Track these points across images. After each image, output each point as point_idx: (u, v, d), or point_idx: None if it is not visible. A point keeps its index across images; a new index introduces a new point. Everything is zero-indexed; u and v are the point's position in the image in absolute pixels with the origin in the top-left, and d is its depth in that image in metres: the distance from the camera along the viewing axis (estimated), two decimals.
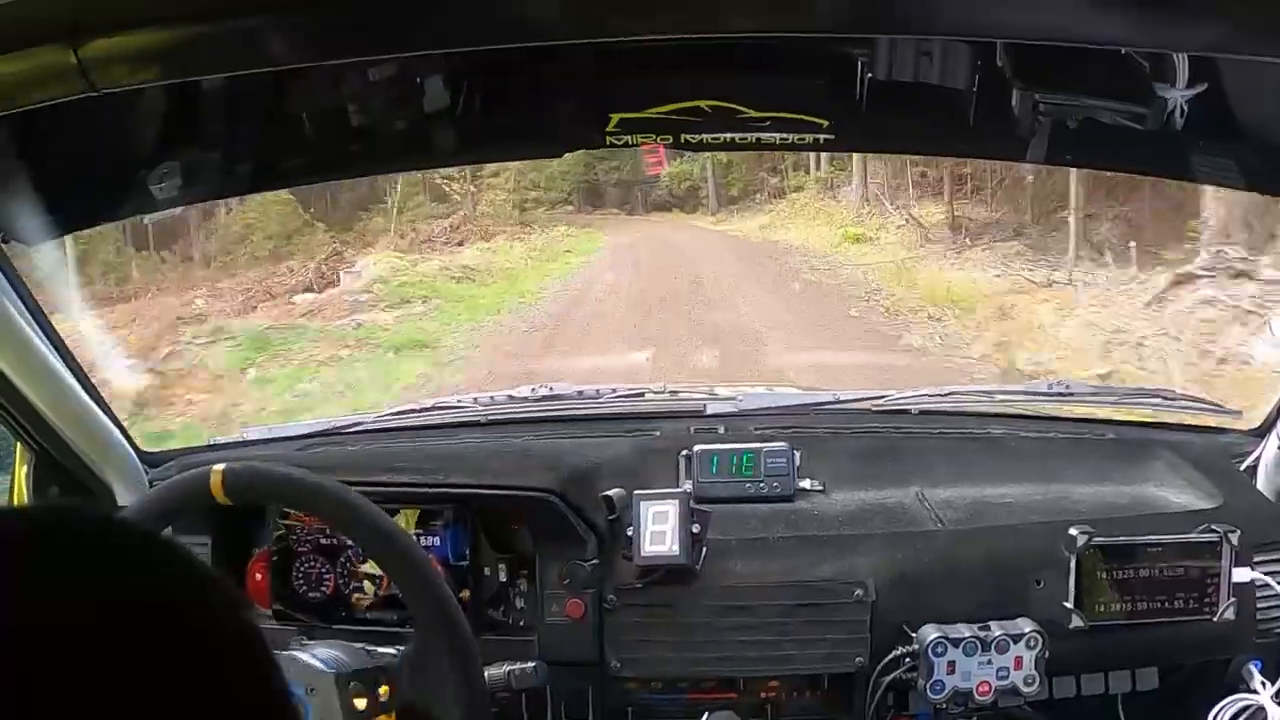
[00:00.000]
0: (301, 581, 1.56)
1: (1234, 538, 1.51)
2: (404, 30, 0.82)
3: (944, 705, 1.45)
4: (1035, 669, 1.45)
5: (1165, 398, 1.76)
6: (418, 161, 1.54)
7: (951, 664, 1.43)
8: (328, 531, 1.54)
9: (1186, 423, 1.83)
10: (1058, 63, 1.13)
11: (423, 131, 1.29)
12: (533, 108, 1.32)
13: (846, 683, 1.50)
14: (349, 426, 1.68)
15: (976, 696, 1.45)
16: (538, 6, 0.82)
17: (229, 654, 0.49)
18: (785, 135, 1.33)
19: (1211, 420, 1.81)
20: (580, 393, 1.72)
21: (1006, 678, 1.45)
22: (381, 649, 1.29)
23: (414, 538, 1.44)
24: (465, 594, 1.49)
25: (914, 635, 1.46)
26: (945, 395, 1.77)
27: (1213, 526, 1.51)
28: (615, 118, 1.31)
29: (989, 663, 1.44)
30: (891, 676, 1.47)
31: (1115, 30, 0.85)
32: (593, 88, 1.28)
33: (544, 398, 1.71)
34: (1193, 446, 1.74)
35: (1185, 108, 1.18)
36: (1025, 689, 1.45)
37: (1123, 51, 1.11)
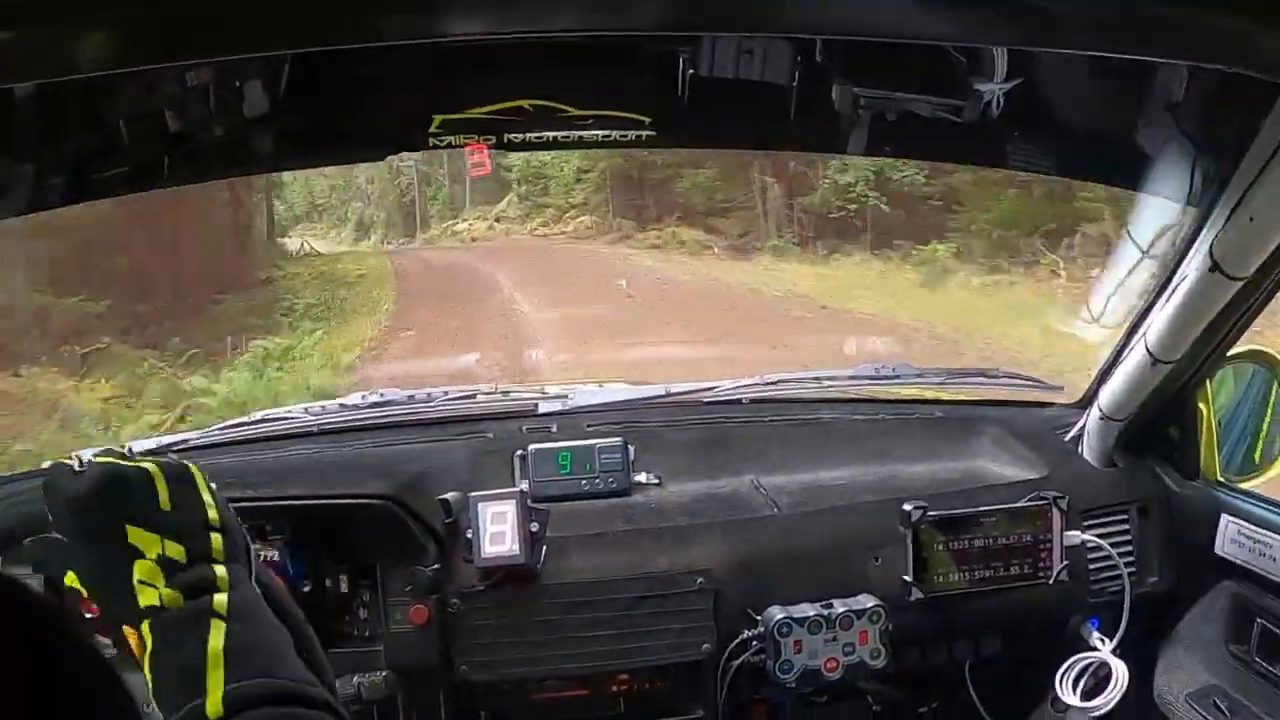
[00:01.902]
0: None
1: (1062, 503, 1.56)
2: (221, 34, 0.78)
3: (794, 685, 1.47)
4: (880, 642, 1.48)
5: (989, 376, 1.81)
6: (238, 168, 1.49)
7: (798, 643, 1.45)
8: None
9: (1011, 399, 1.88)
10: (877, 58, 1.16)
11: (244, 137, 1.25)
12: (354, 111, 1.29)
13: (696, 670, 1.51)
14: (176, 444, 1.62)
15: (825, 673, 1.47)
16: (359, 8, 0.79)
17: (79, 682, 0.47)
18: (608, 133, 1.33)
19: (1035, 395, 1.87)
20: (411, 397, 1.69)
21: (853, 653, 1.48)
22: None
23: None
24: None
25: (759, 618, 1.47)
26: (774, 383, 1.79)
27: (1041, 494, 1.57)
28: (437, 119, 1.30)
29: (834, 639, 1.47)
30: (740, 661, 1.48)
31: (933, 26, 0.86)
32: (415, 89, 1.25)
33: (374, 404, 1.67)
34: (1018, 421, 1.79)
35: (1002, 100, 1.22)
36: (872, 662, 1.48)
37: (940, 46, 1.13)
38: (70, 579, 0.78)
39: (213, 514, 0.79)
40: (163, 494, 0.77)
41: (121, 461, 0.78)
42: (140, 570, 0.74)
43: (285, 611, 0.95)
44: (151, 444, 1.63)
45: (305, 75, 1.20)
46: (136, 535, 0.75)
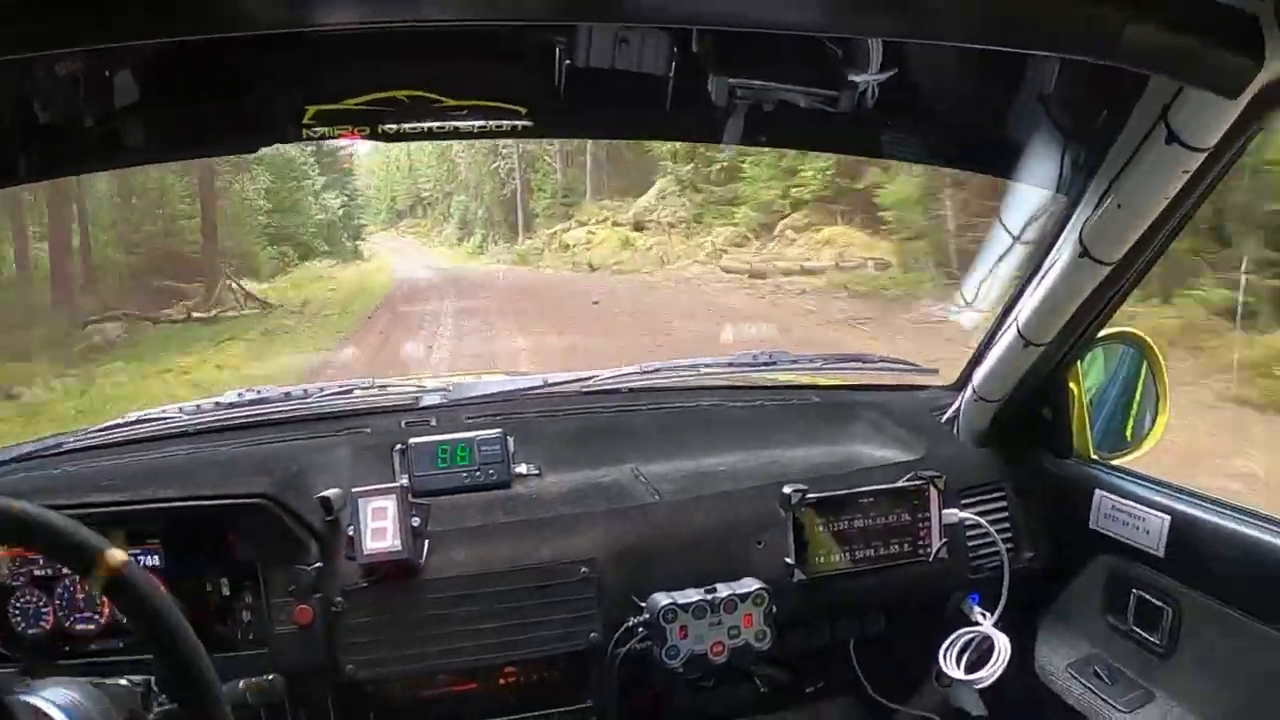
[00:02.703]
0: (19, 618, 1.47)
1: (939, 483, 1.60)
2: (92, 22, 0.77)
3: (681, 670, 1.48)
4: (765, 624, 1.50)
5: (865, 361, 1.86)
6: (109, 161, 1.46)
7: (684, 628, 1.47)
8: (41, 562, 1.46)
9: (888, 383, 1.93)
10: (752, 49, 1.17)
11: (114, 128, 1.22)
12: (226, 102, 1.26)
13: (584, 660, 1.51)
14: (50, 449, 1.58)
15: (711, 657, 1.48)
16: None
17: None
18: (484, 123, 1.33)
19: (911, 379, 1.92)
20: (288, 394, 1.67)
21: (738, 636, 1.49)
22: (110, 680, 1.23)
23: (132, 558, 1.38)
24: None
25: (644, 605, 1.49)
26: (653, 372, 1.81)
27: (918, 474, 1.61)
28: (311, 110, 1.28)
29: (719, 623, 1.48)
30: (626, 648, 1.49)
31: (806, 16, 0.88)
32: (287, 79, 1.24)
33: (251, 402, 1.65)
34: (895, 404, 1.84)
35: (876, 90, 1.25)
36: (757, 645, 1.50)
37: (815, 37, 1.16)
38: None
39: None
40: None
41: None
42: None
43: (162, 623, 0.95)
44: (24, 449, 1.59)
45: (176, 65, 1.18)
46: None
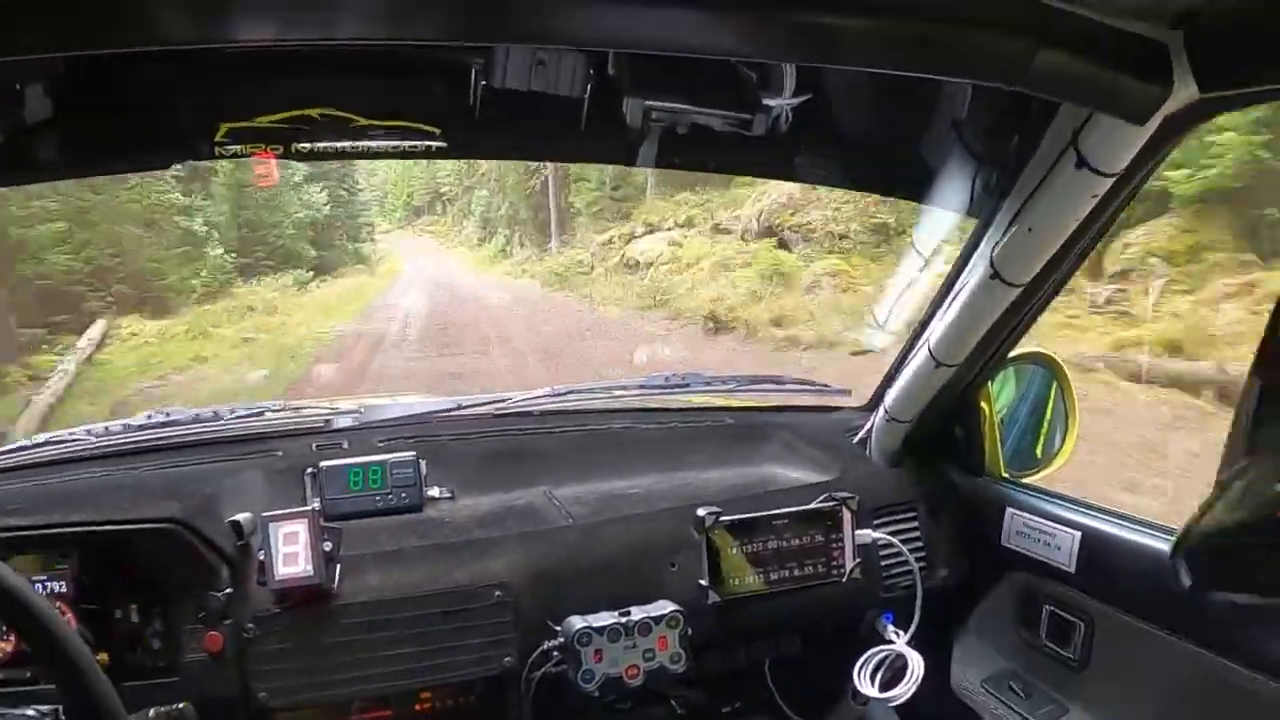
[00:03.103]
0: None
1: (853, 504, 1.63)
2: (3, 35, 0.77)
3: (597, 693, 1.48)
4: (680, 647, 1.50)
5: (777, 383, 1.88)
6: (18, 175, 1.46)
7: (599, 652, 1.47)
8: None
9: (800, 404, 1.96)
10: (668, 72, 1.18)
11: (23, 144, 1.21)
12: (139, 117, 1.25)
13: (499, 684, 1.51)
14: None
15: (627, 680, 1.49)
16: (141, 9, 0.78)
17: None
18: (398, 143, 1.33)
19: (823, 400, 1.95)
20: (198, 416, 1.66)
21: (653, 658, 1.50)
22: (17, 711, 1.21)
23: (34, 585, 1.36)
24: (103, 652, 1.42)
25: (559, 629, 1.49)
26: (566, 394, 1.82)
27: (832, 495, 1.63)
28: (223, 127, 1.27)
29: (634, 646, 1.49)
30: (542, 672, 1.49)
31: (718, 40, 0.89)
32: (199, 95, 1.24)
33: (160, 424, 1.64)
34: (807, 425, 1.87)
35: (790, 114, 1.27)
36: (672, 667, 1.51)
37: (730, 61, 1.18)
38: None
39: None
40: None
41: None
42: None
43: (60, 654, 0.94)
44: None
45: (88, 80, 1.17)
46: None
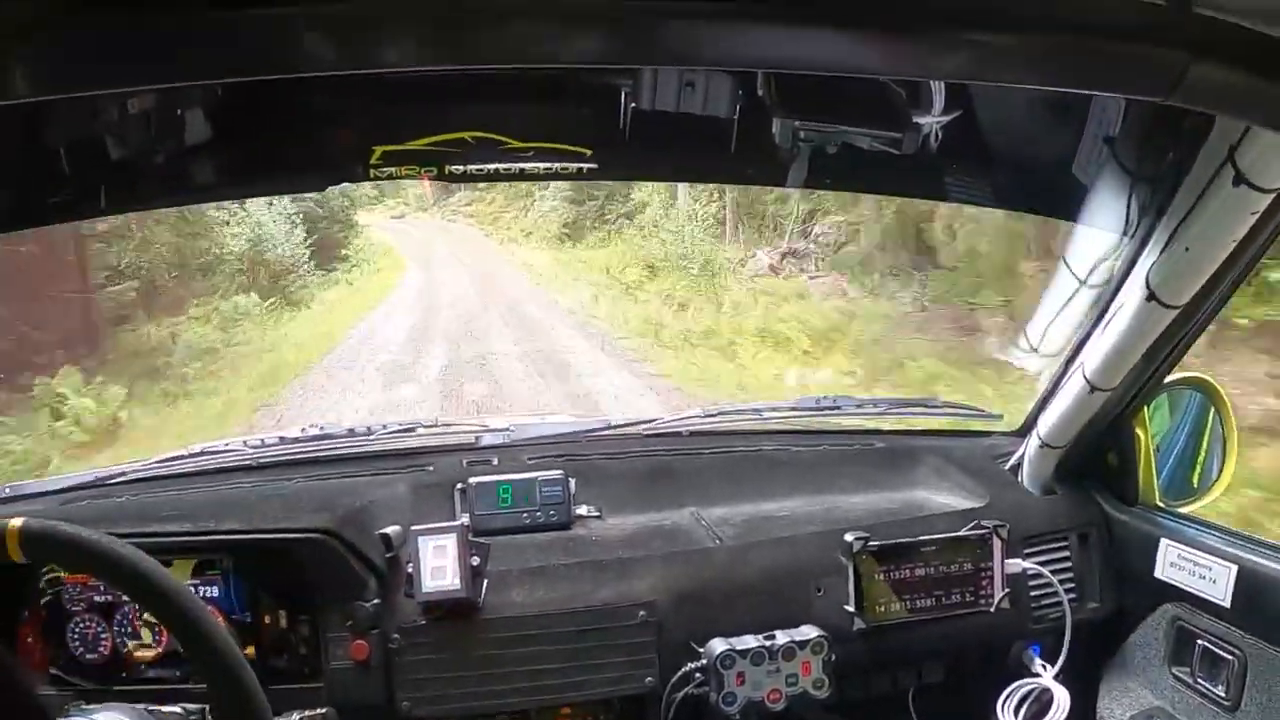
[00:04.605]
0: (77, 642, 1.48)
1: (1003, 531, 1.58)
2: (165, 61, 0.78)
3: (737, 717, 1.46)
4: (824, 673, 1.48)
5: (929, 406, 1.84)
6: (177, 197, 1.49)
7: (741, 675, 1.45)
8: (102, 588, 1.48)
9: (951, 428, 1.91)
10: (816, 91, 1.16)
11: (183, 166, 1.24)
12: (295, 141, 1.29)
13: (639, 704, 1.50)
14: (113, 476, 1.61)
15: (768, 704, 1.47)
16: (297, 37, 0.79)
17: None
18: (549, 165, 1.34)
19: (974, 424, 1.90)
20: (351, 431, 1.68)
21: (796, 684, 1.48)
22: (166, 708, 1.24)
23: (191, 589, 1.39)
24: (250, 650, 1.45)
25: (701, 650, 1.47)
26: (715, 416, 1.80)
27: (981, 523, 1.58)
28: (379, 150, 1.29)
29: (777, 670, 1.47)
30: (683, 693, 1.48)
31: (870, 59, 0.87)
32: (355, 120, 1.25)
33: (314, 438, 1.67)
34: (958, 450, 1.82)
35: (940, 133, 1.24)
36: (815, 693, 1.48)
37: (879, 80, 1.15)
38: None
39: None
40: None
41: None
42: None
43: (211, 654, 0.95)
44: (89, 476, 1.61)
45: (247, 104, 1.19)
46: None
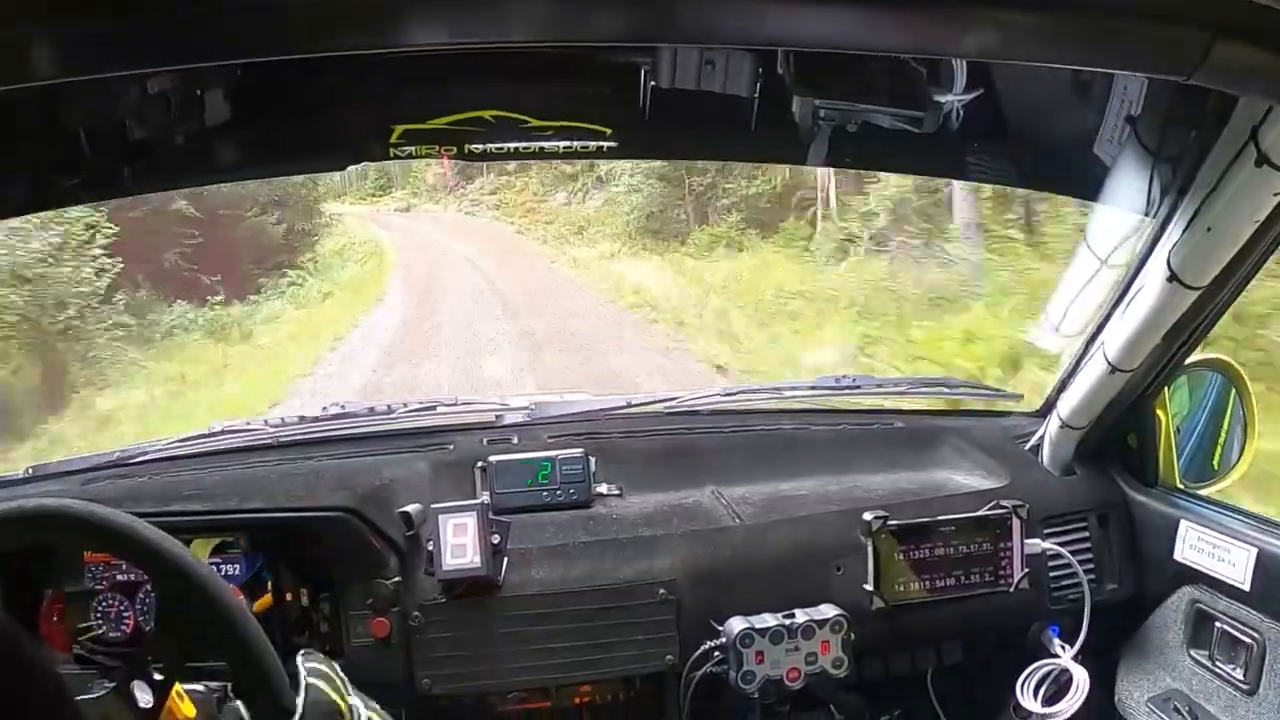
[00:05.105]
0: (100, 621, 1.50)
1: (1023, 512, 1.57)
2: (183, 42, 0.78)
3: (756, 695, 1.47)
4: (842, 651, 1.48)
5: (948, 386, 1.83)
6: (198, 177, 1.49)
7: (760, 654, 1.46)
8: (124, 567, 1.48)
9: (970, 408, 1.90)
10: (837, 70, 1.16)
11: (203, 146, 1.24)
12: (315, 120, 1.29)
13: (659, 681, 1.51)
14: (134, 456, 1.61)
15: (787, 683, 1.47)
16: (318, 17, 0.79)
17: (32, 707, 0.45)
18: (569, 144, 1.34)
19: (994, 404, 1.89)
20: (371, 409, 1.69)
21: (815, 662, 1.48)
22: (188, 685, 1.25)
23: (211, 568, 1.40)
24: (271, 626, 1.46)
25: (721, 629, 1.48)
26: (735, 395, 1.80)
27: (1001, 503, 1.58)
28: (398, 129, 1.30)
29: (796, 649, 1.47)
30: (702, 671, 1.48)
31: (890, 37, 0.87)
32: (375, 99, 1.25)
33: (335, 416, 1.67)
34: (978, 430, 1.81)
35: (961, 111, 1.23)
36: (834, 671, 1.48)
37: (900, 58, 1.14)
38: None
39: None
40: None
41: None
42: None
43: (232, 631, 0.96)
44: (111, 456, 1.62)
45: (266, 84, 1.20)
46: None
